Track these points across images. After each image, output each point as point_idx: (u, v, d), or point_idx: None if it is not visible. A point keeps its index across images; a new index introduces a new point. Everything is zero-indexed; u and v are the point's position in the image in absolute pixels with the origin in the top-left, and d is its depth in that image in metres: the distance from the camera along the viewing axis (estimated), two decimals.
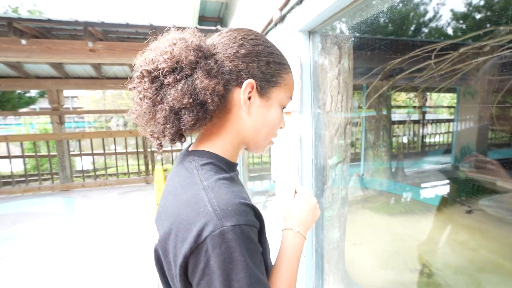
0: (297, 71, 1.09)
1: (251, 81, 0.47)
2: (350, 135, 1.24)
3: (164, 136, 0.46)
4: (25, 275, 2.30)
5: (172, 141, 0.47)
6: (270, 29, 1.56)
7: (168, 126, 0.44)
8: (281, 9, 1.32)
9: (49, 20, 2.38)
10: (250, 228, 0.40)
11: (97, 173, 5.45)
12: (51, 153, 4.94)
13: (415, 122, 5.18)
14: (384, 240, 2.58)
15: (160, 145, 0.48)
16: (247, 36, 0.49)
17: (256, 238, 0.41)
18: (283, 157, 1.34)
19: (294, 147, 1.19)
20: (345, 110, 1.20)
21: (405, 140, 5.06)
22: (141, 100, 0.45)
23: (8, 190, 4.65)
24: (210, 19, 3.67)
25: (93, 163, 5.06)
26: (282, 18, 1.35)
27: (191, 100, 0.43)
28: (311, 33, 1.11)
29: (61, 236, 3.04)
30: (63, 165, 4.85)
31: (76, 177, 5.21)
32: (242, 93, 0.47)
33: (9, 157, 4.85)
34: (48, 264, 2.46)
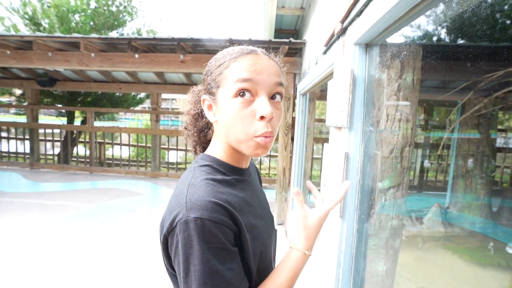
0: (348, 85, 1.04)
1: (203, 97, 0.57)
2: (410, 159, 1.10)
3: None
4: (119, 237, 2.90)
5: (195, 153, 0.66)
6: (333, 42, 1.53)
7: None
8: (342, 22, 1.28)
9: (153, 38, 2.95)
10: (214, 224, 0.44)
11: (179, 166, 6.30)
12: (148, 145, 6.00)
13: None
14: None
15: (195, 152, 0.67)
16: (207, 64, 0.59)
17: (225, 236, 0.45)
18: (331, 173, 1.29)
19: (339, 164, 1.13)
20: (405, 130, 1.07)
21: None
22: None
23: (117, 170, 5.87)
24: (287, 32, 3.80)
25: (177, 157, 5.88)
26: (343, 31, 1.31)
27: (184, 125, 0.66)
28: (368, 45, 1.05)
29: (146, 213, 3.68)
30: (154, 155, 5.80)
31: (162, 167, 6.15)
32: (203, 109, 0.58)
33: (120, 144, 6.14)
34: (135, 232, 3.04)
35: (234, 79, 0.49)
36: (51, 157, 6.45)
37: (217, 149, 0.57)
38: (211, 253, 0.43)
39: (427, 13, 0.82)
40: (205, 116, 0.60)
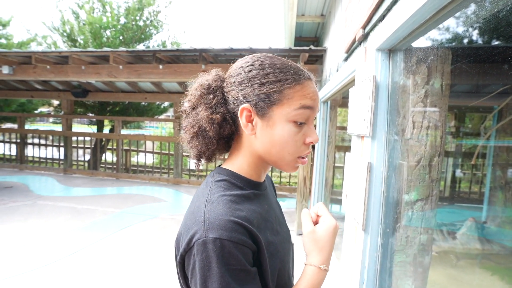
0: (370, 93, 1.00)
1: (244, 106, 0.50)
2: (439, 169, 1.02)
3: (191, 157, 0.57)
4: (142, 242, 2.98)
5: (198, 161, 0.56)
6: (355, 48, 1.49)
7: (190, 150, 0.55)
8: (364, 27, 1.25)
9: (176, 50, 3.08)
10: (234, 244, 0.42)
11: (200, 173, 6.41)
12: (170, 152, 6.19)
13: None
14: None
15: (197, 164, 0.58)
16: (244, 64, 0.52)
17: (245, 257, 0.43)
18: (352, 184, 1.23)
19: (362, 175, 1.08)
20: (433, 138, 1.00)
21: None
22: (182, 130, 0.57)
23: (141, 176, 6.10)
24: (307, 39, 3.79)
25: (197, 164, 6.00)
26: (365, 37, 1.28)
27: (195, 129, 0.52)
28: (391, 51, 1.01)
29: (168, 219, 3.77)
30: (177, 163, 5.96)
31: (184, 174, 6.29)
32: (240, 119, 0.51)
33: (145, 151, 6.39)
34: (157, 237, 3.11)
35: (299, 104, 0.49)
36: (82, 163, 6.86)
37: (238, 162, 0.54)
38: (230, 276, 0.41)
39: (457, 14, 0.77)
40: (231, 123, 0.52)
